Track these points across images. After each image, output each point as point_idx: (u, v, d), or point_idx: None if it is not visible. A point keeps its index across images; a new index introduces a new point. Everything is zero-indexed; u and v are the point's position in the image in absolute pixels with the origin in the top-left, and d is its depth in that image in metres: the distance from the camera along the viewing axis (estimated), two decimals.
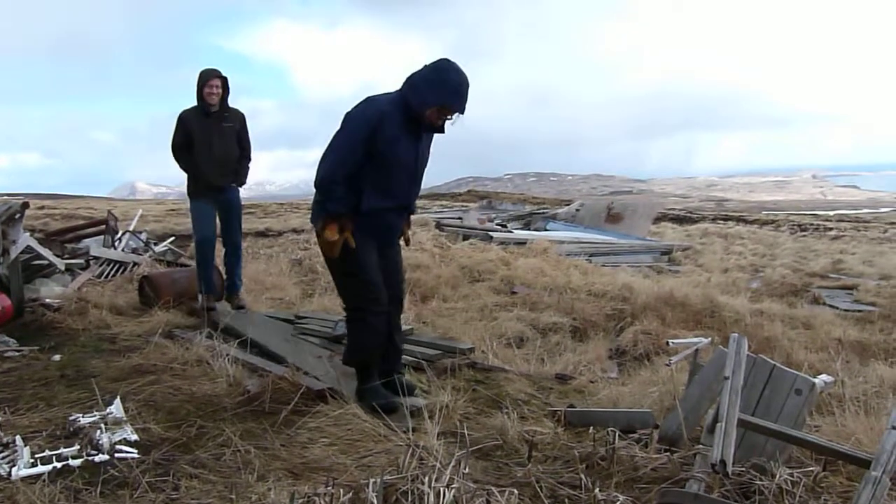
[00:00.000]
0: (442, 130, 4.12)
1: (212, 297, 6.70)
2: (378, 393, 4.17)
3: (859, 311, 10.90)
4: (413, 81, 3.95)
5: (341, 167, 3.94)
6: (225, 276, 7.01)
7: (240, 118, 6.59)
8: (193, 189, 6.58)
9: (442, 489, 2.61)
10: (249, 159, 6.75)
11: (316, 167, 4.10)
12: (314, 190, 4.13)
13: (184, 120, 6.41)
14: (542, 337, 7.23)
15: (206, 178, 6.44)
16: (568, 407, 4.24)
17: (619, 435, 3.38)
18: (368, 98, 4.05)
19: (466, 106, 3.94)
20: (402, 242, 4.48)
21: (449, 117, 4.00)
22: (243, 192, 6.90)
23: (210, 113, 6.37)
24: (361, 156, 3.92)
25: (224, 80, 6.38)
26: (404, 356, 5.03)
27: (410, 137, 4.01)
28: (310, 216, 4.38)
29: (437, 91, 3.88)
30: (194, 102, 6.43)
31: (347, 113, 4.01)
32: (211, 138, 6.36)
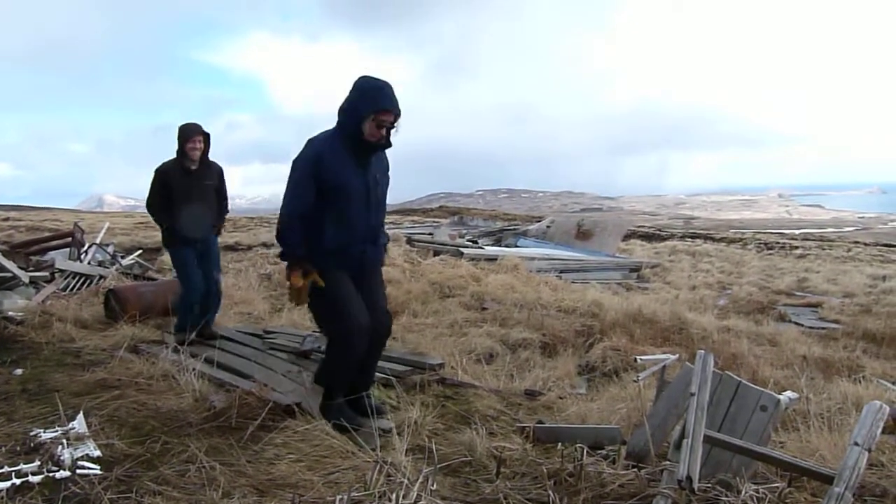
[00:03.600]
0: (388, 144, 4.03)
1: (182, 337, 6.17)
2: (341, 411, 4.11)
3: (823, 328, 11.08)
4: (342, 108, 3.97)
5: (294, 211, 3.99)
6: (199, 313, 6.54)
7: (218, 173, 6.54)
8: (171, 240, 6.44)
9: None
10: (227, 211, 6.80)
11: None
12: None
13: (163, 175, 6.29)
14: (511, 353, 7.24)
15: (183, 234, 6.30)
16: (537, 423, 4.25)
17: (586, 451, 3.38)
18: (308, 140, 4.05)
19: (399, 106, 3.90)
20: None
21: (388, 125, 3.93)
22: None
23: (190, 170, 6.28)
24: (312, 195, 3.94)
25: (206, 136, 6.31)
26: (375, 372, 5.01)
27: (357, 165, 3.99)
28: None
29: (364, 101, 3.88)
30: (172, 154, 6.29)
31: (294, 159, 4.04)
32: (191, 195, 6.26)
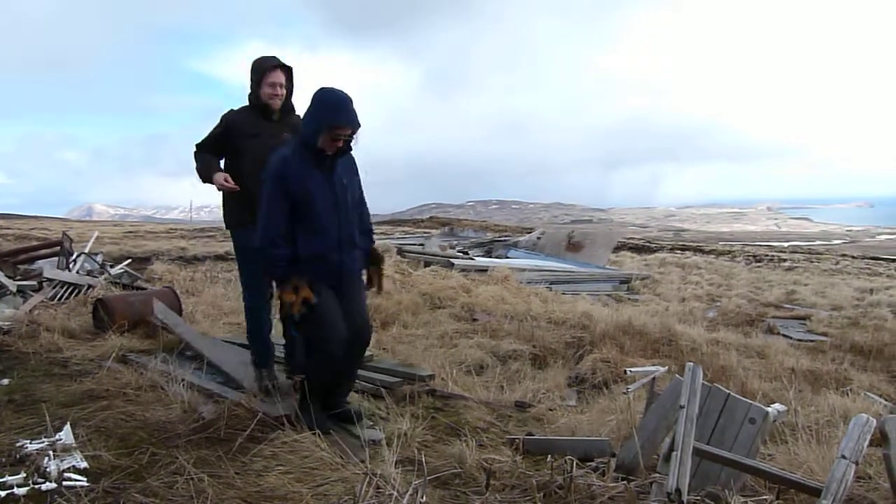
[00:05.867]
0: (348, 150, 4.08)
1: (269, 374, 4.95)
2: (315, 416, 4.12)
3: (812, 341, 11.13)
4: (303, 119, 4.03)
5: (273, 227, 3.97)
6: (284, 345, 5.13)
7: (297, 125, 4.51)
8: (236, 218, 4.79)
9: None
10: None
11: None
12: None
13: (230, 125, 4.70)
14: (501, 364, 7.23)
15: (252, 203, 4.30)
16: (526, 435, 4.25)
17: (576, 463, 3.39)
18: (274, 153, 4.07)
19: (358, 118, 3.94)
20: (373, 288, 4.51)
21: (344, 136, 3.96)
22: None
23: (269, 117, 4.69)
24: (285, 212, 3.96)
25: (289, 72, 4.70)
26: (364, 383, 5.00)
27: (321, 173, 4.01)
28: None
29: (320, 115, 3.91)
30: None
31: (263, 175, 4.05)
32: (266, 150, 4.24)
